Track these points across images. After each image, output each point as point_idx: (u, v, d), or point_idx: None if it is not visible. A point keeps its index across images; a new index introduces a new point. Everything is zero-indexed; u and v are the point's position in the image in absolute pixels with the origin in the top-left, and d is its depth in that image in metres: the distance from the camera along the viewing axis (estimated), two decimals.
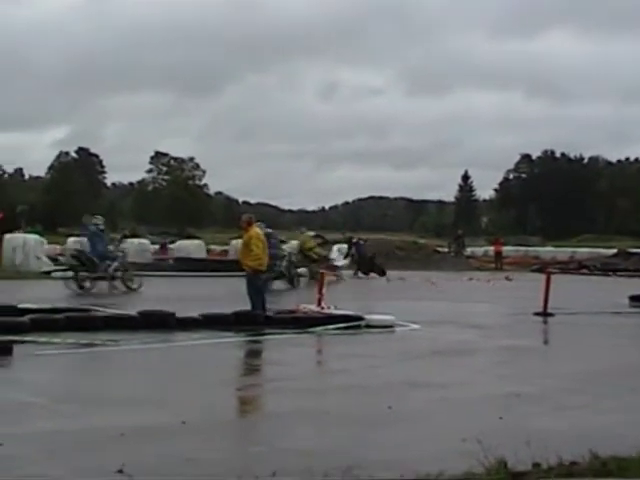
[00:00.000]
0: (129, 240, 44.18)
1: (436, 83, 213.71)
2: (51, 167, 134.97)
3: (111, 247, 27.27)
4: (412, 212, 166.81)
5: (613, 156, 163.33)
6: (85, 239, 28.17)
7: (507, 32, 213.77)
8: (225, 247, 51.05)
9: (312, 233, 40.66)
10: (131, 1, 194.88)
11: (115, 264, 26.21)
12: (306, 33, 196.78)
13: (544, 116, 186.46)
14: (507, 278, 37.90)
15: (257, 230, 18.54)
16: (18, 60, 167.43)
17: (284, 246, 32.91)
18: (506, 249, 57.24)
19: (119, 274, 26.24)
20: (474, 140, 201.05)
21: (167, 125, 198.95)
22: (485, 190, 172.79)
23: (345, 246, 43.51)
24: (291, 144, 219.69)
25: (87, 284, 25.45)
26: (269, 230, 32.00)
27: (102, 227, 27.18)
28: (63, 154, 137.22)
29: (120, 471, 6.36)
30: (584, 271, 45.73)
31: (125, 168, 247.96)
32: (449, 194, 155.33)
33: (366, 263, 39.51)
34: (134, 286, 26.12)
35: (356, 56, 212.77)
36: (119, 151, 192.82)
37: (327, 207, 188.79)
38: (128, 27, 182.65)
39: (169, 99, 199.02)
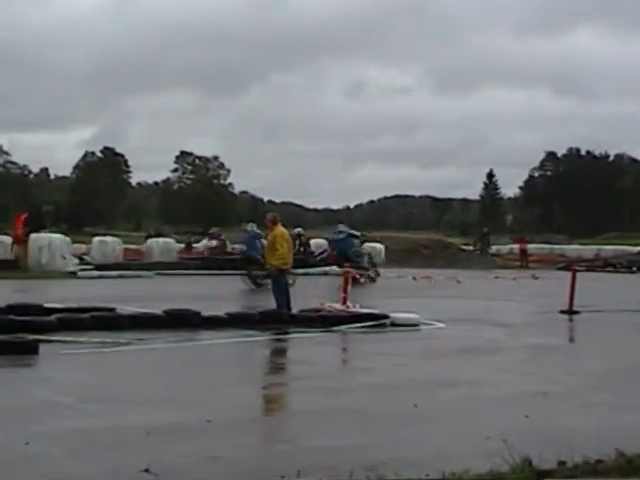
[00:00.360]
0: (154, 239, 44.55)
1: (462, 82, 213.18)
2: (77, 167, 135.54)
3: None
4: (437, 210, 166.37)
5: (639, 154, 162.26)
6: (243, 242, 31.69)
7: (534, 30, 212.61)
8: None
9: (357, 233, 41.11)
10: (158, 1, 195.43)
11: None
12: (331, 32, 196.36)
13: (570, 114, 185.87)
14: (533, 276, 37.74)
15: (282, 229, 18.55)
16: (44, 60, 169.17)
17: None
18: (531, 247, 57.00)
19: None
20: (500, 138, 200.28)
21: (193, 124, 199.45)
22: (510, 188, 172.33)
23: (375, 245, 43.92)
24: (317, 143, 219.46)
25: (259, 280, 28.01)
26: (352, 231, 35.96)
27: (258, 230, 30.26)
28: (89, 154, 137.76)
29: (146, 470, 6.39)
30: (610, 269, 45.49)
31: (151, 167, 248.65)
32: (474, 192, 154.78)
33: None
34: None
35: (382, 55, 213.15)
36: (145, 151, 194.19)
37: (352, 206, 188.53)
38: (154, 27, 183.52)
39: (195, 98, 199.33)
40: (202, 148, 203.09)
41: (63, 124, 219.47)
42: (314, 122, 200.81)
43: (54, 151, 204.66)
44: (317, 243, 44.31)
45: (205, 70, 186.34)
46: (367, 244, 41.98)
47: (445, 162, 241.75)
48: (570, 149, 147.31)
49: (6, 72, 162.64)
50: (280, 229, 18.46)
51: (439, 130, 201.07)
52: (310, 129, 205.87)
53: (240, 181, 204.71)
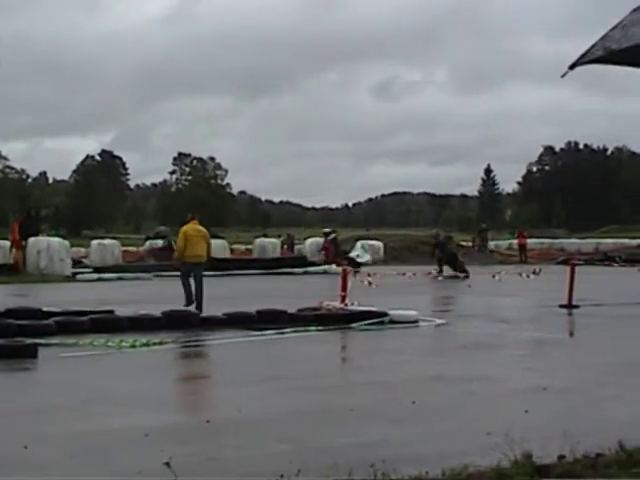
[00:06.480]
0: (153, 241, 44.63)
1: (483, 82, 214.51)
2: (75, 170, 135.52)
3: None
4: (436, 207, 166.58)
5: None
6: None
7: (562, 34, 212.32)
8: (249, 246, 51.11)
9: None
10: (192, 12, 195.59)
11: None
12: (358, 35, 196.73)
13: (592, 110, 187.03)
14: (534, 272, 37.66)
15: (186, 227, 19.73)
16: (85, 69, 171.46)
17: None
18: (531, 242, 56.90)
19: None
20: (512, 135, 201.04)
21: (212, 128, 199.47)
22: (509, 183, 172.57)
23: (374, 242, 44.38)
24: (333, 142, 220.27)
25: None
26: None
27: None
28: (89, 157, 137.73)
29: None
30: (609, 262, 45.42)
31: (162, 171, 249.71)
32: (472, 189, 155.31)
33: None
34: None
35: (410, 57, 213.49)
36: (166, 154, 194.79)
37: (350, 204, 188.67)
38: (190, 37, 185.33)
39: (220, 103, 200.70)
40: (221, 151, 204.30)
41: (89, 130, 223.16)
42: (334, 122, 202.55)
43: (74, 156, 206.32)
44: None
45: (234, 75, 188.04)
46: (364, 242, 42.38)
47: (452, 160, 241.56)
48: (568, 143, 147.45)
49: (47, 79, 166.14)
50: (185, 227, 19.78)
51: (453, 129, 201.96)
52: (329, 129, 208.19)
53: (249, 182, 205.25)
